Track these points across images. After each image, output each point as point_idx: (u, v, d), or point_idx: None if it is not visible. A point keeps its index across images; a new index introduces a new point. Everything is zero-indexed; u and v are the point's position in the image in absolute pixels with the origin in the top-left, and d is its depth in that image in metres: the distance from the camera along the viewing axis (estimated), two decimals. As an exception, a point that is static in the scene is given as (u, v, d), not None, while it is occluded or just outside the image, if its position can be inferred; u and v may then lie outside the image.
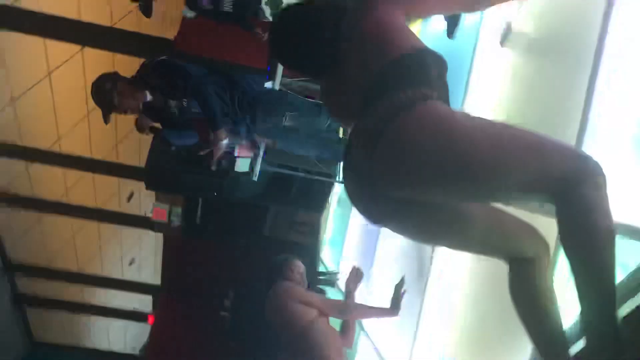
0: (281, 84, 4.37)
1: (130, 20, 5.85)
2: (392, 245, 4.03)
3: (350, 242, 5.18)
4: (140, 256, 9.71)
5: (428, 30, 3.74)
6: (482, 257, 1.85)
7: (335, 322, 3.33)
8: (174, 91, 3.37)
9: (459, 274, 2.96)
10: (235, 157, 4.34)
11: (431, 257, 3.31)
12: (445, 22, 3.17)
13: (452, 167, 1.43)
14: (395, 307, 3.16)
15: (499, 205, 1.69)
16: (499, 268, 1.71)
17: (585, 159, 1.40)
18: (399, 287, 3.17)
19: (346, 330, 3.34)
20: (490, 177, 1.41)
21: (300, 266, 3.31)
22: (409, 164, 1.47)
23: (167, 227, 5.60)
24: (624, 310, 1.45)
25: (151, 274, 9.28)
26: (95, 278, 8.67)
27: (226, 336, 5.11)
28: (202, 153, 3.37)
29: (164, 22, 6.27)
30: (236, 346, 4.95)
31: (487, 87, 2.93)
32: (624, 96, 2.04)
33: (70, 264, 8.26)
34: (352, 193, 1.72)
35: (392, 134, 1.49)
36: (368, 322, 4.02)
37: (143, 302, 8.34)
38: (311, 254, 5.57)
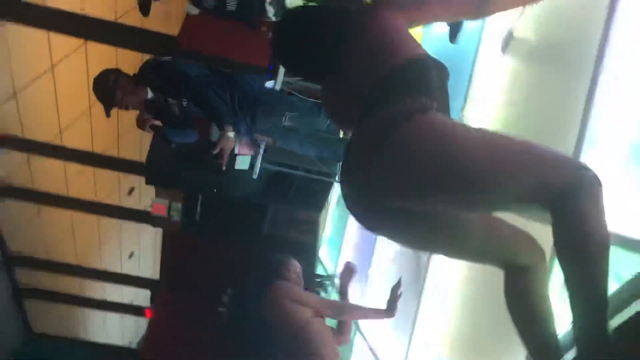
0: (283, 82, 4.37)
1: (134, 16, 5.85)
2: (390, 247, 4.04)
3: (348, 242, 5.18)
4: (140, 250, 9.72)
5: (430, 35, 3.75)
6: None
7: (331, 321, 3.34)
8: (173, 92, 3.38)
9: (455, 277, 2.97)
10: (236, 154, 4.35)
11: (428, 260, 3.32)
12: (448, 27, 3.19)
13: (450, 180, 1.43)
14: (391, 308, 3.16)
15: (495, 213, 1.69)
16: (495, 272, 1.71)
17: (583, 170, 1.40)
18: (395, 288, 3.17)
19: (343, 329, 3.35)
20: (488, 189, 1.42)
21: (296, 266, 3.32)
22: (407, 176, 1.48)
23: (166, 222, 5.63)
24: (616, 321, 1.45)
25: (150, 268, 9.29)
26: (94, 271, 8.68)
27: (223, 333, 5.11)
28: (214, 152, 3.34)
29: (169, 19, 6.27)
30: (233, 343, 4.96)
31: (488, 92, 2.94)
32: (624, 105, 2.05)
33: (69, 257, 8.26)
34: (348, 199, 1.72)
35: (390, 145, 1.49)
36: (364, 324, 4.03)
37: (141, 296, 8.35)
38: (310, 253, 5.58)
